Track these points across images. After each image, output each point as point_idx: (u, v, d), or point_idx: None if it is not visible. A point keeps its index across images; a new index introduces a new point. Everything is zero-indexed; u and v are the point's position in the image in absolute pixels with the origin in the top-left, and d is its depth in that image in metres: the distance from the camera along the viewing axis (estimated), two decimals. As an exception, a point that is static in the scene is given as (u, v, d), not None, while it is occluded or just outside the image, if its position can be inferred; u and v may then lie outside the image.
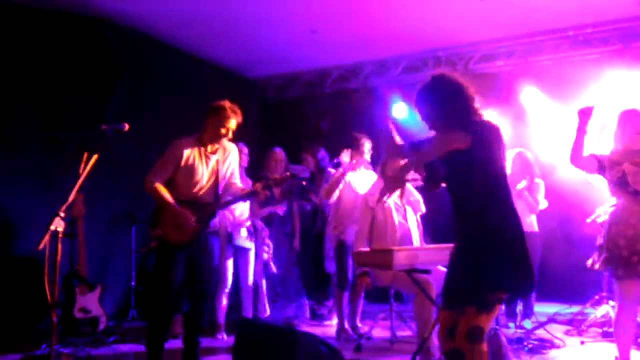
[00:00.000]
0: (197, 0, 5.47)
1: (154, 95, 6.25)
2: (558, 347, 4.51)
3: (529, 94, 6.62)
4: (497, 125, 2.61)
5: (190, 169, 3.74)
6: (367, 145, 5.12)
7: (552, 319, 5.47)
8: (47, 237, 2.93)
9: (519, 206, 5.02)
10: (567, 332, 5.06)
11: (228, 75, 7.54)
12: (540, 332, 4.84)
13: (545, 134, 6.55)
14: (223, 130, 3.76)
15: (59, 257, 3.02)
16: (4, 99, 5.25)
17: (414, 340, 4.37)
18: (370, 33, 6.38)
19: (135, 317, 5.70)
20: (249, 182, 4.67)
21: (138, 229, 5.85)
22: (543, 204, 5.35)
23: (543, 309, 5.79)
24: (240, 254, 5.18)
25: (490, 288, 2.48)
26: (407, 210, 4.63)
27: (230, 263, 5.09)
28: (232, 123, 3.78)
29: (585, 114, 3.44)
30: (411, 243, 4.47)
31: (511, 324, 5.19)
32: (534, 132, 6.64)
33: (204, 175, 3.78)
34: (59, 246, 3.21)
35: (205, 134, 3.81)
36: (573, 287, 6.02)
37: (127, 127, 3.54)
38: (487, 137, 2.55)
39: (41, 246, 3.19)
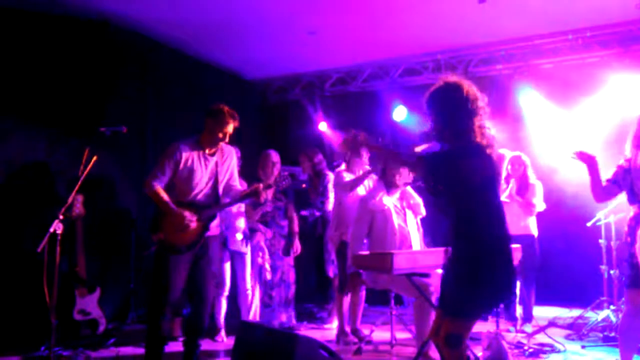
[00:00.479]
0: (196, 3, 5.48)
1: (154, 97, 6.24)
2: (558, 351, 4.48)
3: (528, 98, 6.62)
4: (501, 155, 2.65)
5: (190, 171, 3.73)
6: None
7: (552, 323, 5.47)
8: (46, 239, 2.93)
9: (514, 209, 5.09)
10: (567, 337, 5.03)
11: (227, 77, 7.54)
12: (541, 337, 4.83)
13: (545, 137, 6.56)
14: (220, 135, 3.77)
15: (58, 259, 3.02)
16: (5, 100, 5.24)
17: (414, 344, 4.37)
18: (370, 36, 6.39)
19: (135, 319, 5.69)
20: (245, 184, 4.67)
21: (137, 230, 5.83)
22: (540, 206, 5.32)
23: (543, 312, 5.79)
24: (236, 258, 5.17)
25: (468, 314, 2.58)
26: (407, 214, 4.62)
27: (227, 266, 5.09)
28: (230, 127, 3.79)
29: (588, 160, 3.43)
30: (411, 246, 4.46)
31: (511, 328, 5.17)
32: (533, 136, 6.65)
33: (203, 177, 3.78)
34: (58, 248, 3.21)
35: (204, 137, 3.81)
36: (574, 291, 6.01)
37: (125, 129, 3.54)
38: (482, 164, 2.61)
39: (40, 248, 3.19)
